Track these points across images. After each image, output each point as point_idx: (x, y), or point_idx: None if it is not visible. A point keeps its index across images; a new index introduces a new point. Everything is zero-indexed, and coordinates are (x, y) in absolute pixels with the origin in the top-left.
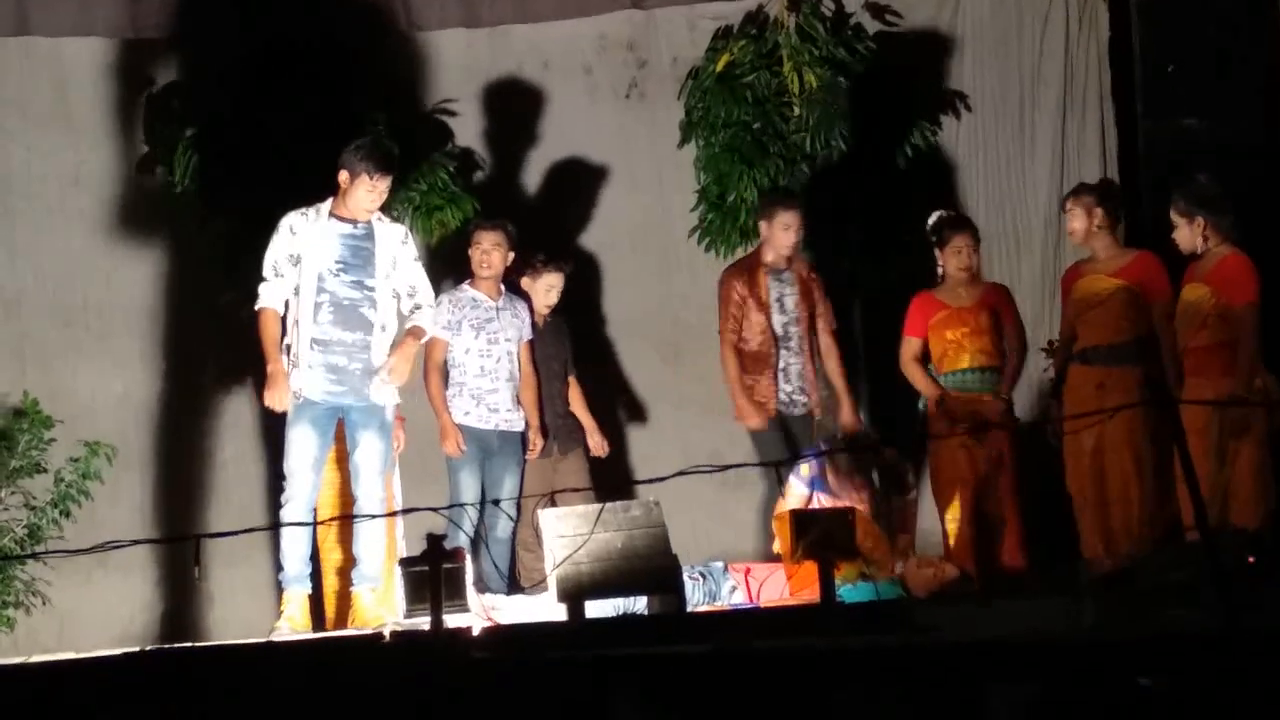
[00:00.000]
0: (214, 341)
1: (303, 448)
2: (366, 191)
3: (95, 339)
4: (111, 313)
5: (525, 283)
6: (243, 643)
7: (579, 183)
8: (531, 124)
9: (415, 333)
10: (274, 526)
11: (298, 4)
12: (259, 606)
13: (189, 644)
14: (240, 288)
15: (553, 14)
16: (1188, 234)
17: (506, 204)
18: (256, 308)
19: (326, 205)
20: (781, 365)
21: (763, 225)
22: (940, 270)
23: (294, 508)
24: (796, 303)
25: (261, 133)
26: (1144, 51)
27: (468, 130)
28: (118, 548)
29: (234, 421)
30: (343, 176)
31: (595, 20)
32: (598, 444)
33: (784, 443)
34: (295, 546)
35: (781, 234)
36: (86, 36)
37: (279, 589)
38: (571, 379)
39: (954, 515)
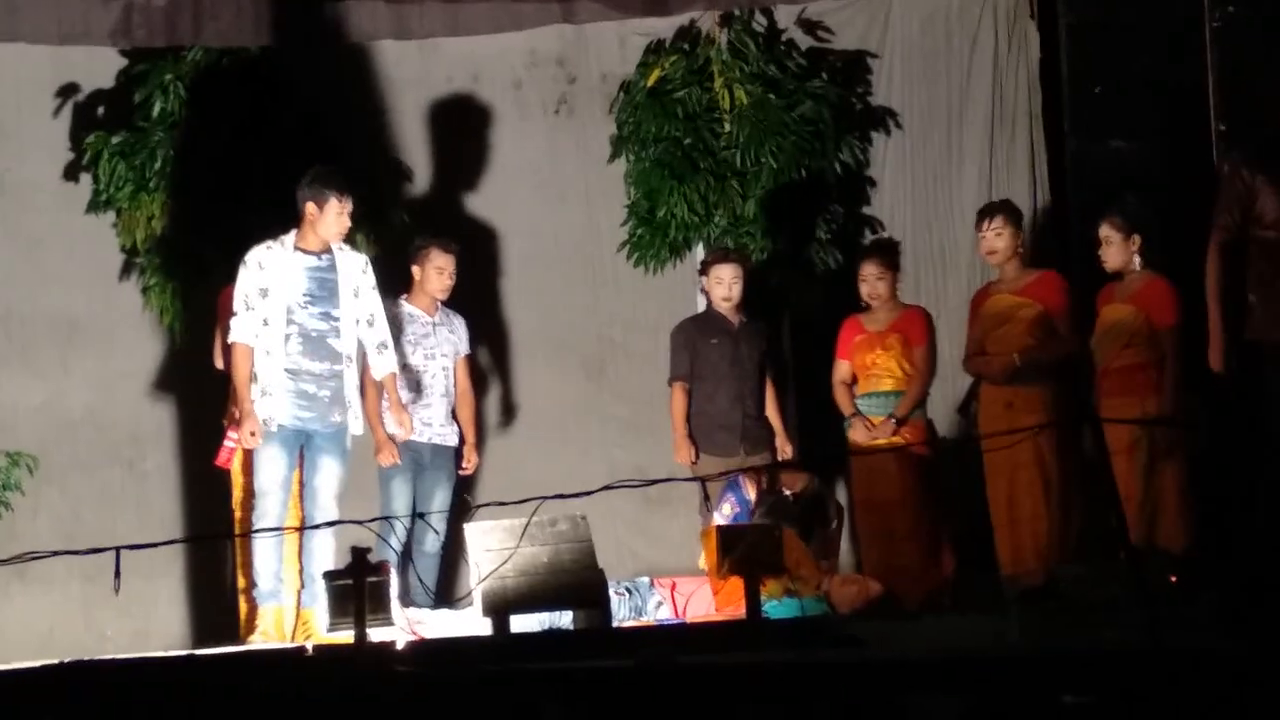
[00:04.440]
0: (137, 351)
1: (273, 467)
2: (337, 215)
3: (17, 348)
4: (34, 321)
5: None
6: (163, 655)
7: (507, 196)
8: (460, 137)
9: (390, 382)
10: (198, 539)
11: (227, 11)
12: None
13: (109, 657)
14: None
15: (483, 28)
16: (1121, 251)
17: (434, 216)
18: (229, 342)
19: (290, 238)
20: None
21: None
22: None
23: (267, 525)
24: None
25: (192, 138)
26: (1072, 73)
27: (397, 142)
28: (37, 558)
29: (156, 431)
30: (310, 208)
31: (526, 35)
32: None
33: None
34: (269, 563)
35: None
36: (12, 42)
37: (252, 603)
38: (769, 382)
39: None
